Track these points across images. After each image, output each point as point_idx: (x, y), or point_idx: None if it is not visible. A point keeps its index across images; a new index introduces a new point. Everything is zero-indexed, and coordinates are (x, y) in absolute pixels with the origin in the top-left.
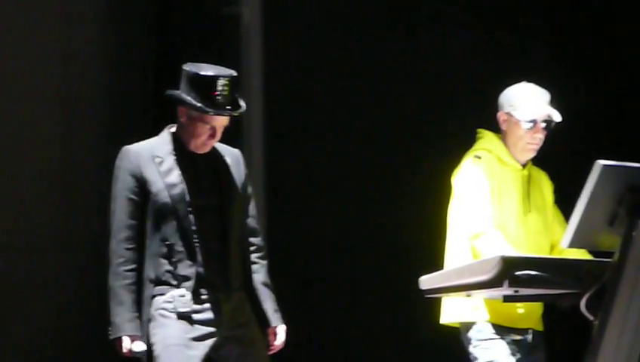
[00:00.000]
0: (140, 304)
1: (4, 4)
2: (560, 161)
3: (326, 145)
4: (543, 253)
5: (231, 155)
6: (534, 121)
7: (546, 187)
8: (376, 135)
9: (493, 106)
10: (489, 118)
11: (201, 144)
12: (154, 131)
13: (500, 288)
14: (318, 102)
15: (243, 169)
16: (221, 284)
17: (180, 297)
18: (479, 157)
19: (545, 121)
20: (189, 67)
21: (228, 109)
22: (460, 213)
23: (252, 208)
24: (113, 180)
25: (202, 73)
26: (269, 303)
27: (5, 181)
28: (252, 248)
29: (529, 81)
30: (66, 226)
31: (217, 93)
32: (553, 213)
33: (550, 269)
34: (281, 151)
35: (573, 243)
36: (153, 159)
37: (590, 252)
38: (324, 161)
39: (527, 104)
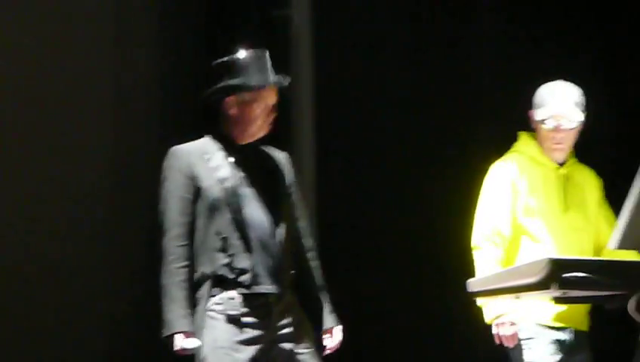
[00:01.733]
0: (192, 301)
1: (58, 19)
2: (607, 160)
3: (375, 147)
4: (585, 250)
5: (279, 154)
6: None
7: (590, 184)
8: (423, 136)
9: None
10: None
11: (259, 127)
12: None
13: (549, 290)
14: (368, 103)
15: (290, 169)
16: (274, 279)
17: (229, 300)
18: (504, 161)
19: (566, 121)
20: (223, 59)
21: (280, 80)
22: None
23: (302, 208)
24: (162, 181)
25: (242, 56)
26: (324, 304)
27: (58, 185)
28: (305, 248)
29: (573, 78)
30: (116, 228)
31: (261, 68)
32: (600, 211)
33: (599, 271)
34: (331, 155)
35: (622, 245)
36: (202, 156)
37: None
38: (370, 163)
39: (549, 104)
